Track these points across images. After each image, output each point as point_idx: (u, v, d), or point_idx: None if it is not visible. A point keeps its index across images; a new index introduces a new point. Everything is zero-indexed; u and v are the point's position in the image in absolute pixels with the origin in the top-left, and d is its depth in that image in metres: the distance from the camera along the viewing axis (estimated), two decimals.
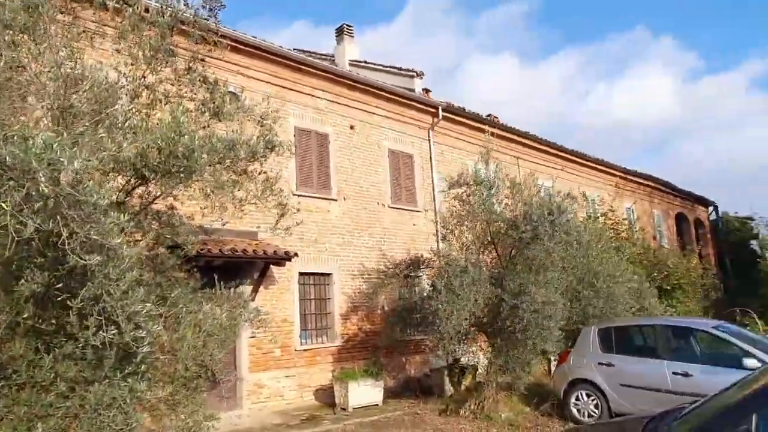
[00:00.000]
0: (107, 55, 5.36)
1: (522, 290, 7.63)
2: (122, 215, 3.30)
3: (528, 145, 16.77)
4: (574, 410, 8.13)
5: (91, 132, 3.37)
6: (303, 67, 11.36)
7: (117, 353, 4.08)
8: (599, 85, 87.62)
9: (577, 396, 8.12)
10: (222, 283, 6.01)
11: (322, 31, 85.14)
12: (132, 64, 5.16)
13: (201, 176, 4.30)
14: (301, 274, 10.88)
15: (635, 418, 3.90)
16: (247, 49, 10.39)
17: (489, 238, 8.89)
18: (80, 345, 4.35)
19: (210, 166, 4.43)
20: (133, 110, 4.96)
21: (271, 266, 10.01)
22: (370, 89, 12.69)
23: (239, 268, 9.36)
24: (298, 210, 6.60)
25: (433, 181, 13.82)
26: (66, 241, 3.02)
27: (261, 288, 9.93)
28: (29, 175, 2.75)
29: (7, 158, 2.64)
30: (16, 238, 2.76)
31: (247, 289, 9.28)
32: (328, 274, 11.40)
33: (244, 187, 4.76)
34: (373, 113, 12.90)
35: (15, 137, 2.83)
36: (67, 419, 4.23)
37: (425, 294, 10.10)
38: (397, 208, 12.94)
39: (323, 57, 15.36)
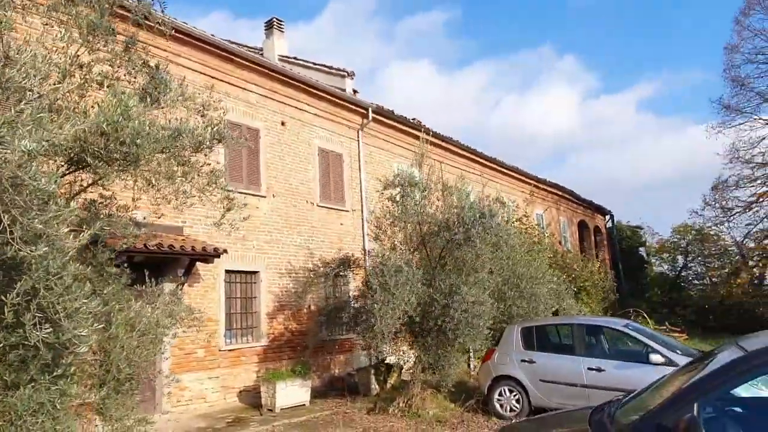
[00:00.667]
0: (37, 28, 4.91)
1: (453, 290, 7.87)
2: (70, 203, 3.05)
3: (451, 150, 17.31)
4: (497, 405, 8.50)
5: (32, 111, 3.08)
6: (235, 58, 11.01)
7: (46, 354, 3.75)
8: (509, 97, 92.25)
9: (501, 392, 8.51)
10: (153, 279, 5.70)
11: (241, 23, 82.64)
12: (63, 41, 4.77)
13: (147, 165, 4.05)
14: (227, 272, 10.54)
15: (579, 410, 4.17)
16: (177, 35, 9.89)
17: (419, 239, 9.09)
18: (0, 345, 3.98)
19: (155, 154, 4.20)
20: (65, 91, 4.59)
21: (197, 263, 9.61)
22: (303, 86, 12.53)
23: (164, 264, 8.89)
24: (246, 204, 6.38)
25: (361, 181, 13.89)
26: (7, 229, 2.74)
27: (185, 286, 9.49)
28: None
29: None
30: None
31: (170, 286, 8.83)
32: (255, 272, 11.12)
33: (188, 178, 4.53)
34: (305, 111, 12.76)
35: None
36: None
37: (358, 293, 10.16)
38: (326, 207, 12.89)
39: (252, 50, 14.94)
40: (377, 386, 10.43)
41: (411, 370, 9.33)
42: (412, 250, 8.83)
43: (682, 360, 6.97)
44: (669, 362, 7.01)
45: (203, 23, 76.42)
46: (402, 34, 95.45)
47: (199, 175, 4.63)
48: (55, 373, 4.03)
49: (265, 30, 16.10)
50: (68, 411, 4.07)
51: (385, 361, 10.41)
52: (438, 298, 7.93)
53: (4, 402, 3.97)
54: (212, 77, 10.65)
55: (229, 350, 10.39)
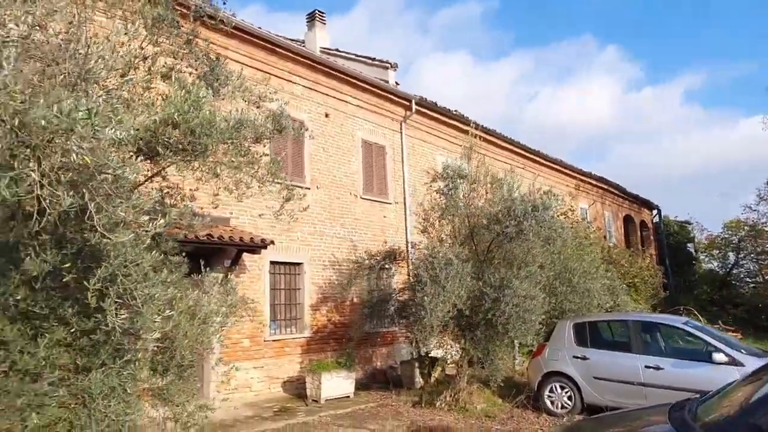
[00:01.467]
0: (100, 23, 5.01)
1: (504, 284, 7.74)
2: (151, 192, 3.08)
3: (493, 142, 17.03)
4: (548, 402, 8.34)
5: (112, 102, 3.12)
6: (280, 50, 11.06)
7: (120, 339, 3.83)
8: (546, 89, 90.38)
9: (552, 388, 8.33)
10: (207, 269, 5.78)
11: (277, 16, 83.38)
12: (128, 35, 4.84)
13: (213, 155, 4.08)
14: (272, 263, 10.64)
15: (654, 407, 4.03)
16: (224, 28, 9.97)
17: (468, 232, 8.96)
18: (72, 330, 4.08)
19: (219, 144, 4.22)
20: (132, 83, 4.66)
21: (244, 254, 9.72)
22: (346, 77, 12.51)
23: (211, 254, 9.02)
24: (305, 195, 6.39)
25: (404, 173, 13.82)
26: (93, 217, 2.78)
27: (232, 276, 9.62)
28: (62, 141, 2.51)
29: (42, 122, 2.40)
30: (49, 212, 2.51)
31: (218, 276, 8.97)
32: (299, 264, 11.20)
33: (250, 169, 4.55)
34: (348, 102, 12.74)
35: (44, 101, 2.57)
36: (61, 409, 3.93)
37: (403, 285, 10.11)
38: (369, 200, 12.87)
39: (295, 42, 15.00)
40: (421, 379, 10.37)
41: (457, 364, 9.24)
42: (460, 243, 8.72)
43: (748, 360, 6.69)
44: (733, 362, 6.73)
45: (240, 16, 77.43)
46: (438, 26, 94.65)
47: (258, 165, 4.64)
48: (125, 358, 4.12)
49: (307, 22, 16.14)
50: (138, 395, 4.17)
51: (429, 355, 10.35)
52: (488, 292, 7.81)
53: (76, 385, 4.09)
54: (258, 69, 10.73)
55: (274, 341, 10.50)
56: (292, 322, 11.01)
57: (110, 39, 4.77)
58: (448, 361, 10.34)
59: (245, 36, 10.40)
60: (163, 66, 4.90)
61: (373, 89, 13.14)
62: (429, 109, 14.50)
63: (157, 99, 4.53)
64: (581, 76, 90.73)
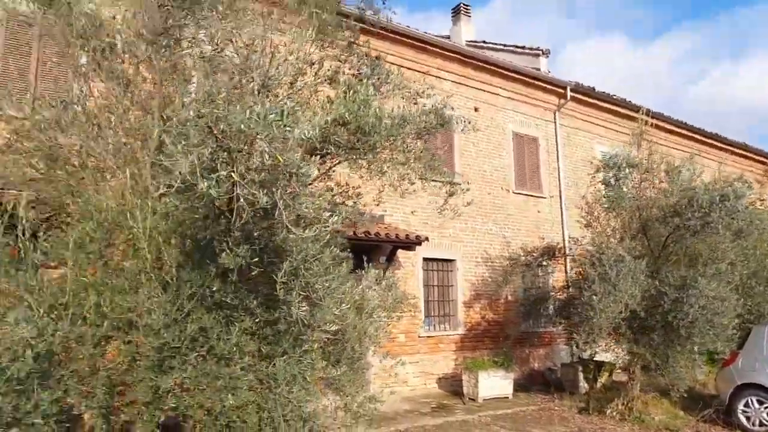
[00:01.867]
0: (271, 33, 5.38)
1: (687, 283, 6.89)
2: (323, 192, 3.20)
3: (661, 127, 15.38)
4: (743, 418, 7.28)
5: (293, 105, 3.28)
6: (430, 47, 11.09)
7: (301, 330, 4.05)
8: (716, 65, 79.91)
9: (747, 402, 7.25)
10: (370, 264, 5.93)
11: (417, 17, 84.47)
12: (296, 41, 5.13)
13: (382, 153, 4.14)
14: (425, 259, 10.72)
15: None
16: (372, 28, 10.26)
17: (639, 226, 8.15)
18: (257, 320, 4.40)
19: (387, 141, 4.27)
20: (300, 87, 4.92)
21: (398, 251, 9.90)
22: (496, 69, 12.16)
23: (368, 251, 9.32)
24: (468, 190, 6.33)
25: (558, 165, 13.08)
26: (282, 214, 2.94)
27: (390, 272, 9.85)
28: (259, 143, 2.67)
29: (242, 126, 2.57)
30: (249, 210, 2.70)
31: (378, 272, 9.23)
32: (452, 261, 11.14)
33: (414, 164, 4.56)
34: (498, 95, 12.38)
35: (240, 107, 2.76)
36: (249, 392, 4.28)
37: (564, 283, 9.56)
38: (522, 194, 12.39)
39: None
40: (586, 384, 9.72)
41: (628, 369, 8.47)
42: (630, 237, 7.96)
43: None
44: None
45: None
46: (584, 7, 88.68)
47: (422, 161, 4.62)
48: (303, 348, 4.36)
49: (452, 16, 16.00)
50: (316, 383, 4.39)
51: (594, 358, 9.64)
52: (667, 292, 7.01)
53: (261, 371, 4.41)
54: (408, 68, 10.85)
55: (428, 337, 10.57)
56: (446, 319, 10.99)
57: (286, 47, 5.12)
58: (616, 367, 9.56)
59: (395, 36, 10.59)
60: (328, 70, 5.11)
61: (525, 78, 12.61)
62: (585, 95, 13.55)
63: (327, 101, 4.74)
64: (758, 49, 78.65)
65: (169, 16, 3.31)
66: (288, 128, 2.65)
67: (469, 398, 9.39)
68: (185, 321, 3.95)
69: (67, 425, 3.70)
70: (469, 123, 4.90)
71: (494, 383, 9.40)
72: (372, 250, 9.52)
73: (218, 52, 3.32)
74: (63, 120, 5.13)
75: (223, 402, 4.01)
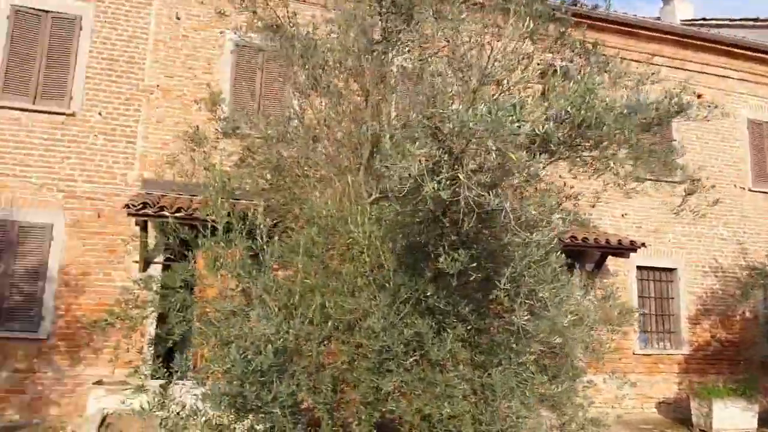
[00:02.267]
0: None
1: None
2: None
3: None
4: None
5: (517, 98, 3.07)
6: (641, 31, 9.99)
7: (520, 340, 3.80)
8: None
9: None
10: (583, 272, 5.41)
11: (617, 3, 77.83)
12: (506, 36, 4.90)
13: (609, 147, 3.69)
14: (639, 268, 9.61)
15: None
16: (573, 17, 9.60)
17: None
18: (469, 328, 4.25)
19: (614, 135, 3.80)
20: (513, 83, 4.68)
21: (608, 257, 9.02)
22: (722, 47, 10.47)
23: (575, 257, 8.64)
24: (713, 186, 5.50)
25: None
26: (509, 216, 2.74)
27: (608, 280, 9.03)
28: (486, 141, 2.50)
29: (470, 124, 2.42)
30: (475, 212, 2.56)
31: (592, 281, 8.53)
32: (672, 270, 9.82)
33: (652, 159, 3.99)
34: (727, 77, 10.64)
35: (462, 106, 2.62)
36: (464, 402, 4.15)
37: None
38: (762, 192, 10.43)
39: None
40: None
41: None
42: None
43: None
44: None
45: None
46: None
47: (656, 155, 4.03)
48: (520, 360, 4.09)
49: None
50: (535, 398, 4.09)
51: None
52: None
53: (475, 381, 4.24)
54: (611, 57, 9.89)
55: (644, 355, 9.45)
56: (666, 336, 9.72)
57: (501, 41, 4.94)
58: None
59: (599, 23, 9.72)
60: (538, 64, 4.80)
61: (763, 56, 10.62)
62: None
63: (545, 93, 4.43)
64: None
65: (389, 22, 3.35)
66: (519, 124, 2.44)
67: (700, 429, 8.12)
68: (401, 325, 3.98)
69: (298, 417, 3.95)
70: (716, 107, 4.15)
71: (733, 414, 8.00)
72: (579, 255, 8.81)
73: (434, 53, 3.26)
74: (287, 134, 5.67)
75: (440, 410, 3.94)
